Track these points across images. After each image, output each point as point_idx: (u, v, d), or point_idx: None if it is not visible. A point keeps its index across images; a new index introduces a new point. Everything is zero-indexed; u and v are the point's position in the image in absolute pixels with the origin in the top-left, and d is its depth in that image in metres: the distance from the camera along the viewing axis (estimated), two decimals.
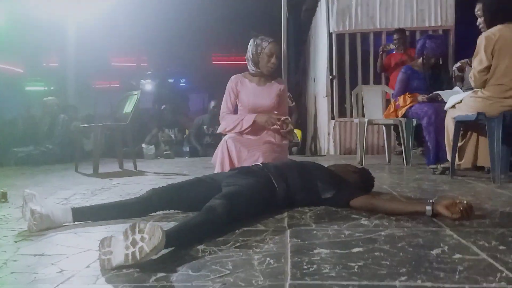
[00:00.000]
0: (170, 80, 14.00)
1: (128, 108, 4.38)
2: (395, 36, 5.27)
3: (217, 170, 2.81)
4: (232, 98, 3.06)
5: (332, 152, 5.94)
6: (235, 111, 3.11)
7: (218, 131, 3.18)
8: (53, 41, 8.36)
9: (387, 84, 5.51)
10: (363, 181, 2.32)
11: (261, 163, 2.25)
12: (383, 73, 5.60)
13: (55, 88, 10.84)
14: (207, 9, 8.02)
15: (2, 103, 9.90)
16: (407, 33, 5.58)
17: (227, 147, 2.85)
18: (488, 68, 2.78)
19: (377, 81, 5.76)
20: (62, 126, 5.28)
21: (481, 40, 2.80)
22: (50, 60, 11.23)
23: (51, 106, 5.49)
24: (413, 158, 4.31)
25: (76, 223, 1.86)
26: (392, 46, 5.26)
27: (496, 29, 2.75)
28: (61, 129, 5.27)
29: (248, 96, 3.00)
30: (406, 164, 4.07)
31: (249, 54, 3.00)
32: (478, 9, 2.96)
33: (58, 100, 5.65)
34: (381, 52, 5.35)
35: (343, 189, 2.07)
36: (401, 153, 4.86)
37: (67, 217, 1.85)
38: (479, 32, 2.95)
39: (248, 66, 3.05)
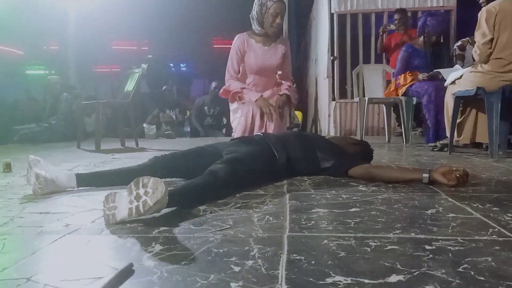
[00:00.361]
0: (170, 64, 13.97)
1: (130, 86, 4.40)
2: (396, 16, 5.25)
3: (238, 135, 2.86)
4: (238, 60, 3.09)
5: (332, 133, 5.97)
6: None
7: (220, 93, 3.20)
8: (53, 24, 8.33)
9: (388, 64, 5.50)
10: (362, 152, 2.35)
11: (261, 133, 2.28)
12: (384, 54, 5.59)
13: (55, 72, 10.82)
14: None
15: (2, 86, 9.92)
16: (409, 14, 5.57)
17: (253, 114, 2.88)
18: (491, 41, 2.78)
19: (378, 62, 5.75)
20: (65, 104, 5.30)
21: (482, 13, 2.80)
22: (51, 43, 11.19)
23: (54, 84, 5.51)
24: (413, 138, 4.34)
25: (80, 188, 1.90)
26: (392, 27, 5.24)
27: (496, 2, 2.76)
28: (64, 106, 5.29)
29: (255, 57, 3.03)
30: (406, 143, 4.10)
31: (253, 13, 3.00)
32: None
33: (61, 79, 5.66)
34: (381, 33, 5.33)
35: (342, 159, 2.10)
36: (400, 134, 4.88)
37: (71, 182, 1.88)
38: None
39: (253, 26, 3.06)
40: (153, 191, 1.26)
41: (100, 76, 13.65)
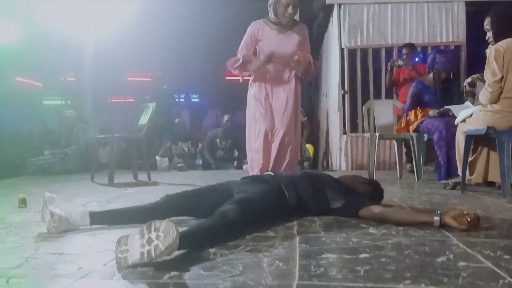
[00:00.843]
0: (181, 96, 14.23)
1: (144, 120, 4.49)
2: (404, 51, 5.33)
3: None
4: (250, 43, 3.17)
5: (343, 167, 5.96)
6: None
7: (227, 64, 3.26)
8: (71, 56, 8.58)
9: (379, 98, 5.56)
10: (372, 192, 2.35)
11: (272, 172, 2.31)
12: (394, 88, 5.64)
13: (72, 102, 11.09)
14: (220, 26, 8.18)
15: (20, 117, 10.17)
16: (419, 49, 5.64)
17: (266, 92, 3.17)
18: (501, 79, 2.79)
19: (389, 96, 5.80)
20: (81, 135, 5.40)
21: (490, 52, 2.83)
22: (68, 75, 11.50)
23: (69, 118, 5.64)
24: (425, 173, 4.31)
25: (93, 226, 1.93)
26: (400, 62, 5.30)
27: (504, 41, 2.78)
28: (80, 137, 5.40)
29: (269, 44, 3.11)
30: (418, 179, 4.08)
31: (270, 1, 3.12)
32: (486, 23, 3.01)
33: (77, 113, 5.80)
34: (389, 68, 5.40)
35: (352, 199, 2.11)
36: (412, 170, 4.92)
37: (85, 220, 1.92)
38: None
39: (269, 13, 3.16)
40: (164, 235, 1.28)
41: (115, 106, 13.92)
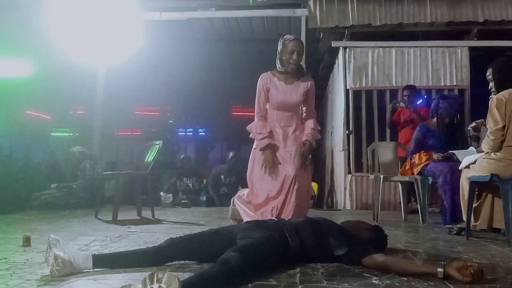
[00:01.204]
0: (188, 129, 14.38)
1: (150, 157, 4.54)
2: (405, 92, 5.40)
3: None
4: (263, 98, 3.29)
5: (348, 206, 5.93)
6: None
7: (247, 128, 3.38)
8: (81, 90, 8.76)
9: (384, 138, 5.60)
10: (376, 238, 2.34)
11: (275, 217, 2.31)
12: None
13: (79, 134, 11.23)
14: (227, 62, 8.36)
15: (29, 149, 10.30)
16: (423, 91, 5.72)
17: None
18: (503, 128, 2.83)
19: (394, 137, 5.84)
20: (87, 171, 5.46)
21: (492, 102, 2.88)
22: (77, 108, 11.70)
23: (76, 154, 5.71)
24: (429, 216, 4.28)
25: (95, 269, 1.93)
26: (402, 104, 5.37)
27: (506, 91, 2.84)
28: (86, 172, 5.45)
29: (277, 94, 3.22)
30: (422, 223, 4.04)
31: (277, 52, 3.25)
32: (488, 73, 3.08)
33: (84, 149, 5.88)
34: (390, 109, 5.47)
35: (355, 247, 2.11)
36: (414, 211, 4.93)
37: (88, 264, 1.92)
38: None
39: (276, 65, 3.28)
40: (166, 286, 1.29)
41: (121, 138, 14.03)
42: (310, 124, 3.33)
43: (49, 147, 10.54)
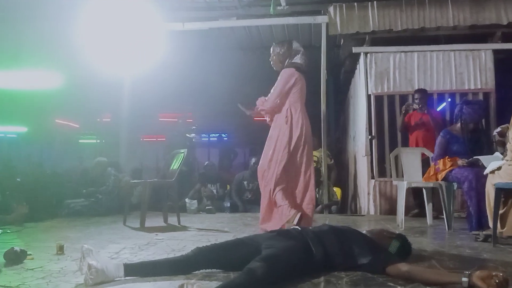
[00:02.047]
0: (211, 135, 14.58)
1: (175, 165, 4.65)
2: (416, 96, 5.37)
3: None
4: None
5: (372, 212, 5.90)
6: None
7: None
8: (107, 99, 9.00)
9: (407, 143, 5.55)
10: (400, 247, 2.36)
11: (299, 227, 2.36)
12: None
13: (106, 141, 11.53)
14: (248, 69, 8.44)
15: (58, 156, 10.64)
16: (446, 96, 5.66)
17: None
18: None
19: (405, 141, 5.79)
20: (111, 180, 5.61)
21: None
22: (104, 116, 12.01)
23: (100, 165, 5.88)
24: (455, 221, 4.24)
25: (126, 278, 2.02)
26: (416, 106, 5.35)
27: None
28: (110, 182, 5.60)
29: None
30: (448, 229, 4.00)
31: None
32: None
33: (107, 160, 6.04)
34: (403, 111, 5.44)
35: (379, 256, 2.13)
36: (415, 215, 5.20)
37: (119, 272, 2.01)
38: None
39: None
40: None
41: (146, 144, 14.30)
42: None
43: (78, 154, 10.87)
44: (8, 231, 3.85)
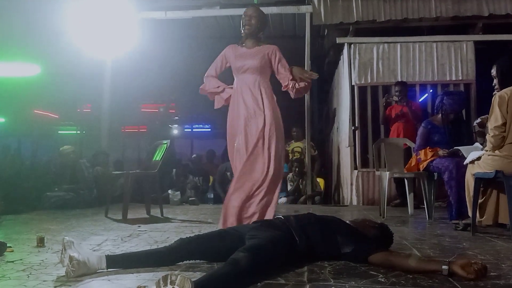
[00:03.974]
0: (194, 126, 14.53)
1: (158, 156, 4.60)
2: (396, 88, 5.47)
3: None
4: (219, 64, 3.44)
5: (355, 202, 5.97)
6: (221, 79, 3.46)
7: (199, 89, 3.52)
8: (87, 89, 8.84)
9: (388, 135, 5.62)
10: (382, 236, 2.38)
11: (282, 216, 2.36)
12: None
13: (86, 132, 11.34)
14: None
15: (37, 148, 10.43)
16: (428, 87, 5.72)
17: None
18: (504, 125, 2.87)
19: (387, 132, 5.85)
20: (85, 172, 5.51)
21: (494, 99, 2.92)
22: (84, 106, 11.81)
23: (67, 155, 5.74)
24: (436, 211, 4.31)
25: (109, 270, 1.99)
26: (395, 99, 5.43)
27: (509, 89, 2.87)
28: (84, 174, 5.50)
29: (236, 58, 3.33)
30: (429, 218, 4.07)
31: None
32: (493, 71, 3.11)
33: (73, 148, 5.91)
34: (384, 104, 5.50)
35: (362, 245, 2.15)
36: (397, 205, 5.32)
37: (102, 264, 1.98)
38: None
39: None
40: None
41: (128, 135, 14.13)
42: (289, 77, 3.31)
43: (57, 145, 10.68)
44: None
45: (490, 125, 2.93)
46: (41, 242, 2.68)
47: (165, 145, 4.57)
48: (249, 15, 3.34)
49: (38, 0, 6.17)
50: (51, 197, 5.19)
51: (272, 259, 1.95)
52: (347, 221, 2.42)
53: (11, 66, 7.00)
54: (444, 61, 5.96)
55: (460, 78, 5.91)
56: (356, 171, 6.02)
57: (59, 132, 13.55)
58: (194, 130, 15.45)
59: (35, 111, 10.66)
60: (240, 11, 6.41)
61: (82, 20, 6.08)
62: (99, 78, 7.39)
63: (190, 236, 2.20)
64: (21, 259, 2.30)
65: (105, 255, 2.02)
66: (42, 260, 2.28)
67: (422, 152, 4.09)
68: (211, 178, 7.12)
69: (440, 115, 4.11)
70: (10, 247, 2.54)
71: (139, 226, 3.58)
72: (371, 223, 2.43)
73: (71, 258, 1.91)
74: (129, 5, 6.14)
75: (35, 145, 10.91)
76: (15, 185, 5.55)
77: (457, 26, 6.14)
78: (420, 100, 6.29)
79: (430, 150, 4.04)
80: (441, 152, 3.91)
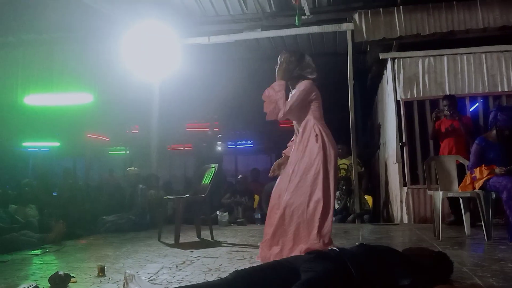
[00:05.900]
0: (238, 143, 14.75)
1: (206, 180, 4.70)
2: (445, 102, 5.26)
3: None
4: None
5: (406, 220, 5.80)
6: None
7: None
8: (136, 111, 9.20)
9: (437, 151, 5.44)
10: (441, 266, 2.31)
11: (337, 248, 2.34)
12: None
13: (134, 152, 11.76)
14: (273, 78, 8.48)
15: (89, 168, 10.92)
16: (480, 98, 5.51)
17: None
18: None
19: (437, 149, 5.66)
20: (141, 196, 5.71)
21: None
22: (132, 128, 12.27)
23: (132, 176, 5.99)
24: (494, 229, 4.12)
25: None
26: (446, 113, 5.22)
27: None
28: (141, 199, 5.70)
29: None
30: (487, 239, 3.89)
31: None
32: None
33: (139, 171, 6.14)
34: (434, 119, 5.32)
35: (420, 276, 2.10)
36: (451, 222, 5.11)
37: None
38: None
39: None
40: None
41: (174, 153, 14.52)
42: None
43: (108, 166, 11.13)
44: (47, 250, 3.97)
45: None
46: (102, 272, 2.80)
47: (213, 169, 4.67)
48: (278, 60, 3.45)
49: (92, 32, 6.54)
50: (106, 222, 5.39)
51: None
52: (402, 250, 2.37)
53: (66, 96, 7.41)
54: (495, 72, 5.74)
55: None
56: (405, 188, 5.87)
57: (109, 153, 14.11)
58: (237, 146, 15.66)
59: (88, 135, 11.18)
60: (281, 32, 6.58)
61: (132, 49, 6.36)
62: (146, 101, 7.69)
63: (245, 268, 2.23)
64: None
65: None
66: None
67: (477, 170, 3.94)
68: (256, 198, 7.15)
69: (494, 131, 3.95)
70: (73, 277, 2.67)
71: (192, 252, 3.66)
72: (428, 252, 2.37)
73: None
74: (174, 33, 6.36)
75: (88, 166, 11.43)
76: (72, 208, 5.83)
77: (506, 35, 5.90)
78: (470, 110, 6.07)
79: (485, 168, 3.89)
80: (498, 170, 3.76)
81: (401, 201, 5.92)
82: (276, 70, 3.46)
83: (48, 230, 4.64)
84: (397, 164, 5.99)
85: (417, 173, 5.98)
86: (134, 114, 9.88)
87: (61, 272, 2.57)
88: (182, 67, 6.69)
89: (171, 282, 2.55)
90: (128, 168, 6.31)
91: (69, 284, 2.56)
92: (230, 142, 14.95)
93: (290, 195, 3.12)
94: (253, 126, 13.86)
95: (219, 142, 15.00)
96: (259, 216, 6.38)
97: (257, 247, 3.93)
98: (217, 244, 4.19)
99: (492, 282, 2.40)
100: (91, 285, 2.54)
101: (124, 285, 2.08)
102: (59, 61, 6.93)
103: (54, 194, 7.17)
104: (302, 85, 3.35)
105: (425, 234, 4.45)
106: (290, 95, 3.40)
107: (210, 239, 4.47)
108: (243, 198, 6.84)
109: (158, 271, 2.90)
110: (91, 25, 6.40)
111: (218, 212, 6.03)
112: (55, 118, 8.93)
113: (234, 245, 4.11)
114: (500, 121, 3.84)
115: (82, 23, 6.38)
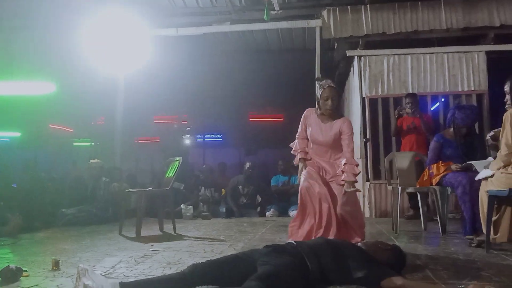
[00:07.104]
0: (206, 136, 14.66)
1: (170, 173, 4.64)
2: (408, 100, 5.41)
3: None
4: (303, 127, 3.60)
5: (367, 214, 5.92)
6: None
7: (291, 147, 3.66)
8: (101, 102, 8.99)
9: (399, 148, 5.60)
10: (395, 259, 2.37)
11: (294, 241, 2.37)
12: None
13: (100, 144, 11.51)
14: (242, 72, 8.45)
15: (52, 160, 10.61)
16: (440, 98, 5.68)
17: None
18: None
19: (399, 145, 5.81)
20: (104, 189, 5.60)
21: (506, 116, 2.91)
22: (98, 119, 11.99)
23: (94, 169, 5.85)
24: (450, 223, 4.27)
25: None
26: (408, 110, 5.38)
27: None
28: (103, 192, 5.59)
29: (311, 130, 3.49)
30: (442, 233, 4.03)
31: (316, 95, 3.53)
32: (506, 86, 3.09)
33: (102, 163, 6.00)
34: (396, 116, 5.46)
35: (374, 269, 2.15)
36: (410, 217, 5.30)
37: None
38: None
39: (316, 106, 3.55)
40: None
41: (141, 146, 14.29)
42: (343, 161, 3.39)
43: (71, 158, 10.85)
44: (2, 243, 3.84)
45: (501, 142, 2.90)
46: (56, 266, 2.73)
47: (178, 162, 4.62)
48: (331, 97, 3.38)
49: (53, 20, 6.31)
50: (66, 214, 5.26)
51: (284, 286, 1.96)
52: (359, 244, 2.42)
53: (27, 84, 7.15)
54: (456, 72, 5.93)
55: (473, 88, 5.87)
56: (368, 183, 5.99)
57: (73, 144, 13.74)
58: (206, 140, 15.56)
59: (51, 125, 10.85)
60: (250, 26, 6.55)
61: (96, 38, 6.19)
62: (113, 93, 7.52)
63: (203, 262, 2.22)
64: (36, 285, 2.34)
65: (119, 283, 2.05)
66: (57, 286, 2.32)
67: (434, 167, 4.06)
68: (223, 191, 7.12)
69: (452, 128, 4.08)
70: (26, 271, 2.59)
71: (152, 245, 3.61)
72: (383, 246, 2.42)
73: (85, 286, 1.95)
74: (141, 23, 6.23)
75: (51, 158, 11.09)
76: (32, 201, 5.64)
77: (468, 36, 6.10)
78: (431, 109, 6.25)
79: (442, 164, 4.01)
80: (454, 166, 3.88)
81: (364, 196, 6.04)
82: (329, 109, 3.39)
83: (4, 223, 4.49)
84: (360, 160, 6.10)
85: (379, 168, 6.12)
86: (99, 105, 9.65)
87: (12, 266, 2.49)
88: (150, 59, 6.57)
89: (128, 276, 2.52)
90: (91, 161, 6.15)
91: (21, 278, 2.48)
92: (199, 136, 14.85)
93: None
94: (223, 120, 13.82)
95: (188, 135, 14.86)
96: (224, 210, 6.37)
97: (220, 240, 3.93)
98: (179, 237, 4.15)
99: (443, 275, 2.48)
100: (44, 279, 2.47)
101: (77, 279, 2.03)
102: (19, 49, 6.65)
103: (13, 186, 6.93)
104: (347, 124, 3.46)
105: (384, 228, 4.57)
106: (329, 131, 3.42)
107: (172, 232, 4.43)
108: (208, 190, 6.80)
109: (116, 265, 2.85)
110: (53, 12, 6.17)
111: (182, 206, 5.98)
112: (16, 107, 8.61)
113: (196, 238, 4.08)
114: (458, 119, 3.96)
115: (42, 10, 6.15)
